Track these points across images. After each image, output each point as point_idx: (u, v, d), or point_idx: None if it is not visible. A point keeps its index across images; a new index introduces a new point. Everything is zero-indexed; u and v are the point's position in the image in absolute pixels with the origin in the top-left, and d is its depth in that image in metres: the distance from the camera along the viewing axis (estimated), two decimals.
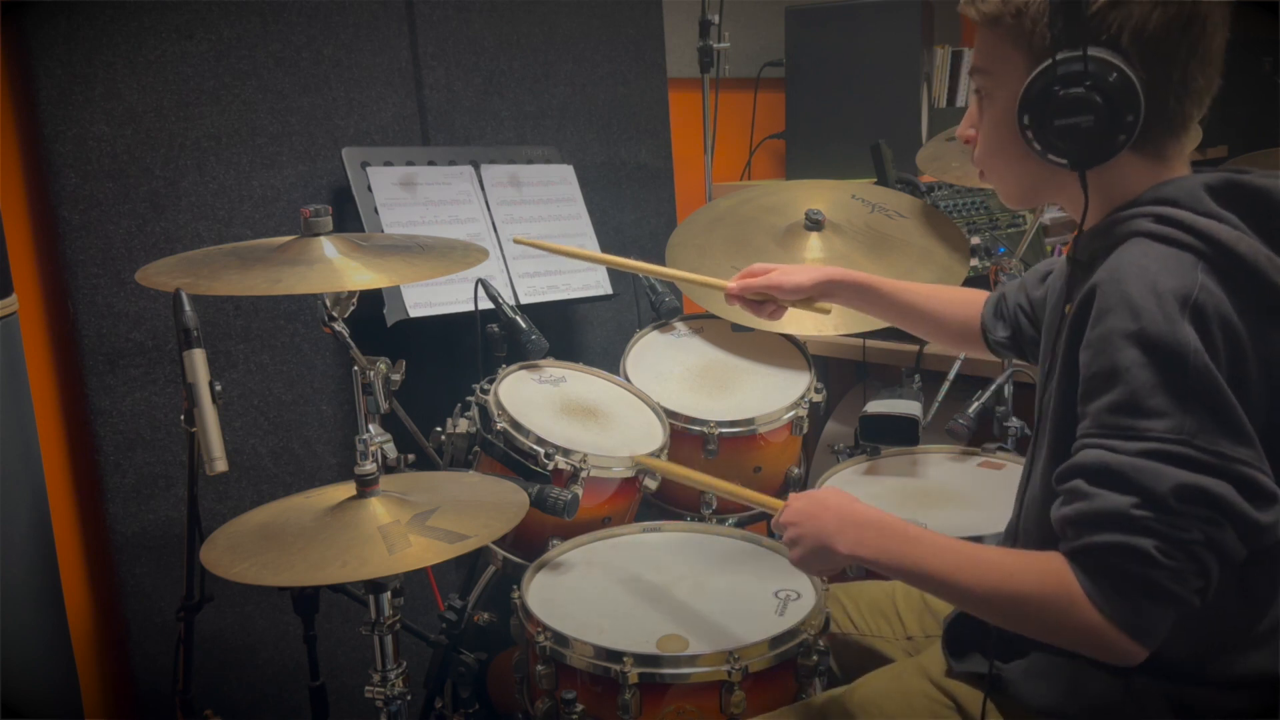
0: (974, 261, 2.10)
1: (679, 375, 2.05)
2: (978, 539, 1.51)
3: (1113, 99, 1.01)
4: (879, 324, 1.96)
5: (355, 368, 1.41)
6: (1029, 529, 1.16)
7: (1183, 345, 0.96)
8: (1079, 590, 1.00)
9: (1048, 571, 1.03)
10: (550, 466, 1.68)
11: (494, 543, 1.72)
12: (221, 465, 1.18)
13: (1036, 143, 1.06)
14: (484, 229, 2.11)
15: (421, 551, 1.26)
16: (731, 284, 1.56)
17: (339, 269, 1.34)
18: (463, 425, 1.76)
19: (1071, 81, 1.02)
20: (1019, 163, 1.13)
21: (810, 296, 1.53)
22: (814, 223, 2.05)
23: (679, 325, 2.16)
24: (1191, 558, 0.96)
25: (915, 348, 2.27)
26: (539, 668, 1.41)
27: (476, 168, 2.16)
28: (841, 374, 2.71)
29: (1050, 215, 2.35)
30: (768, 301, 1.56)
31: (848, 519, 1.17)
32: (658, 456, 1.80)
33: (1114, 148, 1.04)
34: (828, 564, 1.20)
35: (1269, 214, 1.03)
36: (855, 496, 1.22)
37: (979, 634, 1.22)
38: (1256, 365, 1.00)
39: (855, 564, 1.18)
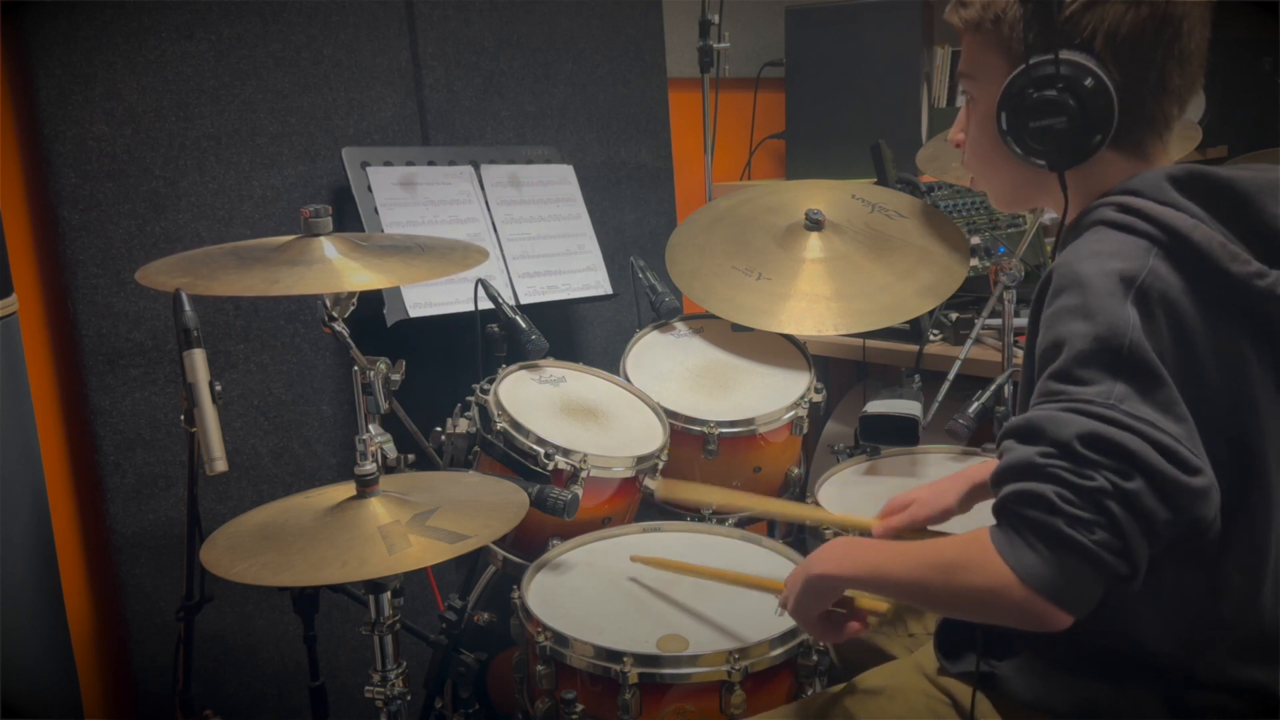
0: (974, 261, 2.10)
1: (679, 375, 2.05)
2: None
3: (1085, 101, 1.05)
4: (879, 324, 1.96)
5: (355, 368, 1.41)
6: None
7: (1122, 321, 0.97)
8: (991, 547, 0.98)
9: (969, 536, 1.02)
10: (550, 466, 1.68)
11: (494, 543, 1.72)
12: (221, 465, 1.18)
13: (1015, 145, 1.10)
14: (484, 229, 2.11)
15: (421, 551, 1.26)
16: (877, 525, 1.48)
17: (339, 269, 1.34)
18: (463, 425, 1.76)
19: (1045, 84, 1.06)
20: (1003, 165, 1.16)
21: (961, 515, 1.43)
22: (814, 223, 2.06)
23: (679, 325, 2.16)
24: (1096, 507, 0.92)
25: (915, 348, 2.28)
26: (539, 668, 1.41)
27: (476, 168, 2.16)
28: (841, 374, 2.71)
29: (1050, 215, 2.36)
30: (921, 531, 1.46)
31: (821, 551, 1.19)
32: (658, 456, 1.81)
33: (1090, 148, 1.07)
34: (812, 597, 1.18)
35: (1233, 205, 1.04)
36: None
37: (969, 634, 1.22)
38: (1211, 354, 1.01)
39: (829, 587, 1.17)
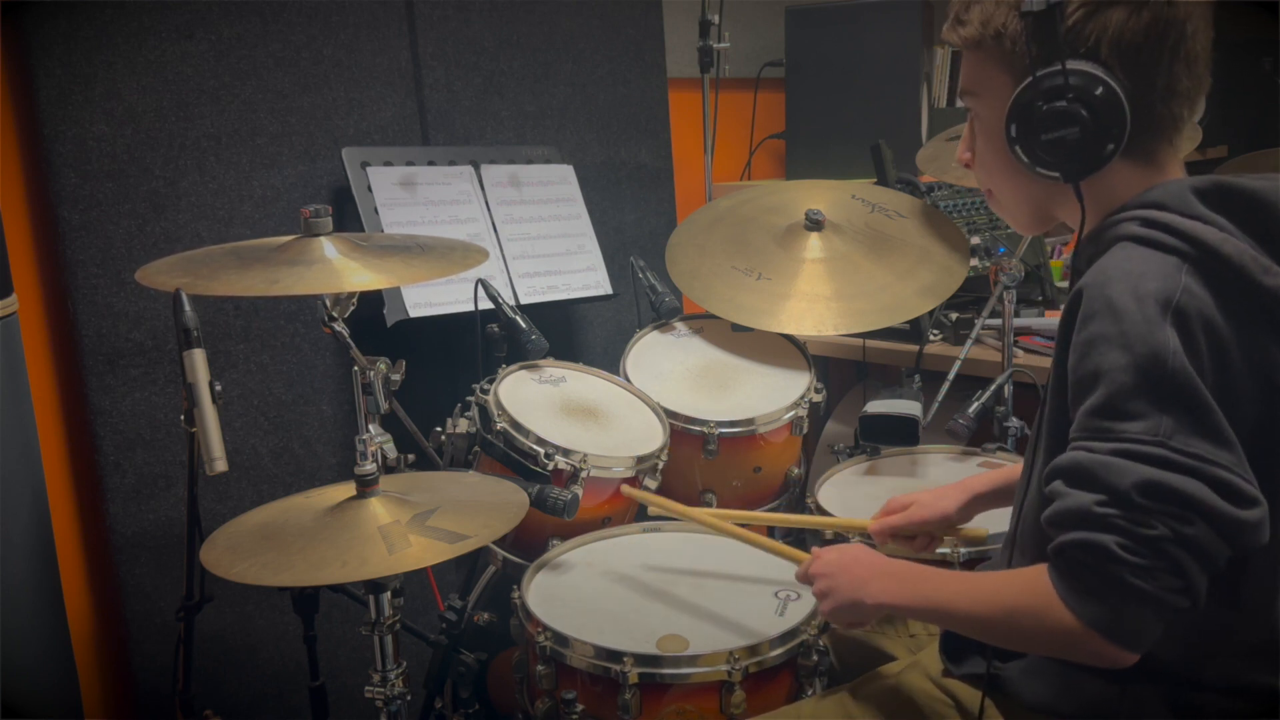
0: (974, 261, 2.10)
1: (679, 375, 2.04)
2: (981, 538, 1.54)
3: (1097, 109, 1.03)
4: (879, 324, 1.97)
5: (355, 368, 1.41)
6: (1026, 532, 1.16)
7: (1162, 348, 0.96)
8: (1054, 594, 0.99)
9: (1030, 579, 1.03)
10: (550, 466, 1.68)
11: (494, 543, 1.72)
12: (221, 465, 1.18)
13: (1026, 158, 1.08)
14: (484, 229, 2.11)
15: (421, 551, 1.26)
16: (872, 524, 1.48)
17: (339, 269, 1.34)
18: (463, 425, 1.76)
19: (1054, 96, 1.04)
20: (1018, 181, 1.15)
21: (959, 523, 1.44)
22: (814, 223, 2.05)
23: (679, 325, 2.16)
24: (1158, 554, 0.94)
25: (915, 348, 2.28)
26: (539, 668, 1.41)
27: (476, 168, 2.16)
28: (841, 374, 2.71)
29: None
30: (918, 536, 1.46)
31: (876, 570, 1.19)
32: (658, 456, 1.81)
33: (1104, 156, 1.05)
34: (856, 616, 1.21)
35: (1259, 216, 1.03)
36: (876, 551, 1.24)
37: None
38: (1244, 369, 1.00)
39: (882, 613, 1.20)
